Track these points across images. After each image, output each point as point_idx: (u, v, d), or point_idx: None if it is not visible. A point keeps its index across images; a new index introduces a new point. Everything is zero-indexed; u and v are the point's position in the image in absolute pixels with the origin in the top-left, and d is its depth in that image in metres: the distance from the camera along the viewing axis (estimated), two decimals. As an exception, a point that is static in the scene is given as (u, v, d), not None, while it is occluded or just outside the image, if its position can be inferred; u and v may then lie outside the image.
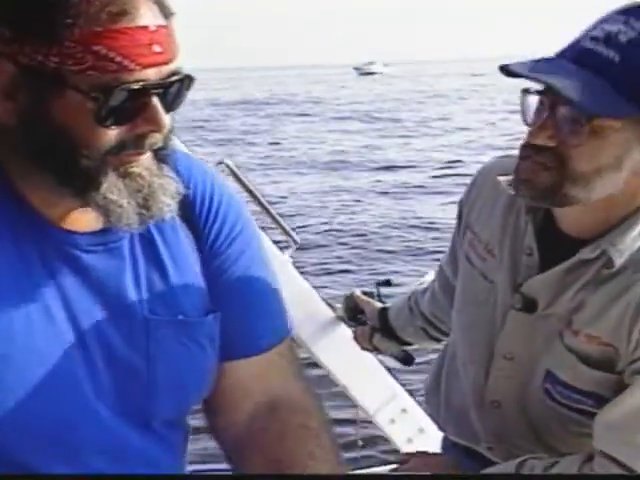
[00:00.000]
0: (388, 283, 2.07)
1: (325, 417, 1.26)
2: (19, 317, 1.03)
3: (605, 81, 1.20)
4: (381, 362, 2.40)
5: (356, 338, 2.01)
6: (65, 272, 1.07)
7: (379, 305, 1.95)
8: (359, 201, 13.52)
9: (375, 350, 1.95)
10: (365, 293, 2.02)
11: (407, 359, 1.93)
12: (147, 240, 1.14)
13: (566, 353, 1.33)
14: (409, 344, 1.91)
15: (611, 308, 1.29)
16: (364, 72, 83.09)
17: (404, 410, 2.45)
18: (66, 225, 1.07)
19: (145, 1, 0.98)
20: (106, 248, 1.10)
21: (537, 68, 1.25)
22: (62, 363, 1.06)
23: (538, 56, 1.32)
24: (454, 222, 1.59)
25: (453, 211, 1.59)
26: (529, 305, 1.37)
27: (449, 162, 17.36)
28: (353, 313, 2.02)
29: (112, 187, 1.01)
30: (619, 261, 1.29)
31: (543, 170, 1.25)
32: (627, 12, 1.24)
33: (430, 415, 1.71)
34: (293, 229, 2.66)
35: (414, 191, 14.34)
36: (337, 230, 11.21)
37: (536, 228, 1.37)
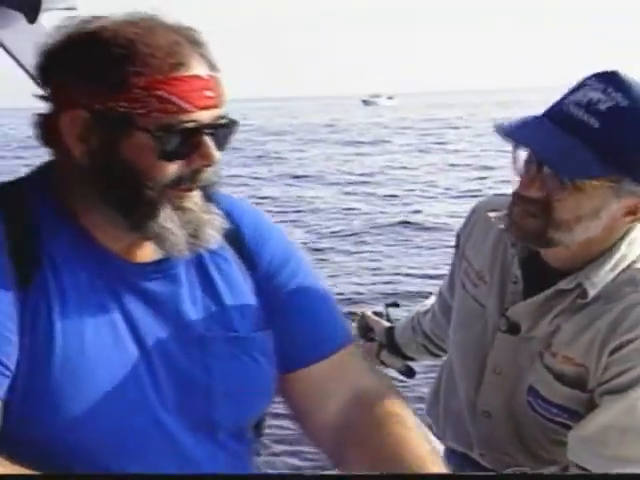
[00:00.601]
0: (396, 305, 2.25)
1: (405, 403, 1.31)
2: (91, 337, 1.14)
3: (585, 145, 1.35)
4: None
5: (365, 353, 2.20)
6: (129, 298, 1.19)
7: (386, 324, 2.14)
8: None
9: (382, 364, 2.13)
10: (375, 313, 2.21)
11: (409, 372, 2.12)
12: (202, 268, 1.26)
13: (545, 372, 1.49)
14: (412, 359, 2.10)
15: (584, 333, 1.45)
16: (370, 103, 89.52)
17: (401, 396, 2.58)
18: (128, 257, 1.20)
19: (197, 56, 1.14)
20: (165, 275, 1.22)
21: (525, 133, 1.41)
22: (130, 377, 1.16)
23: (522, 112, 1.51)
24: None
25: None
26: (513, 328, 1.54)
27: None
28: (364, 331, 2.19)
29: (168, 218, 1.15)
30: (592, 292, 1.45)
31: (531, 217, 1.42)
32: (606, 81, 1.38)
33: (430, 425, 1.85)
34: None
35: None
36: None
37: (522, 259, 1.54)
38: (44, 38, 1.19)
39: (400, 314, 2.17)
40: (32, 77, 2.18)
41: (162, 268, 1.22)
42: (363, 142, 33.86)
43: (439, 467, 1.24)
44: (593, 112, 1.36)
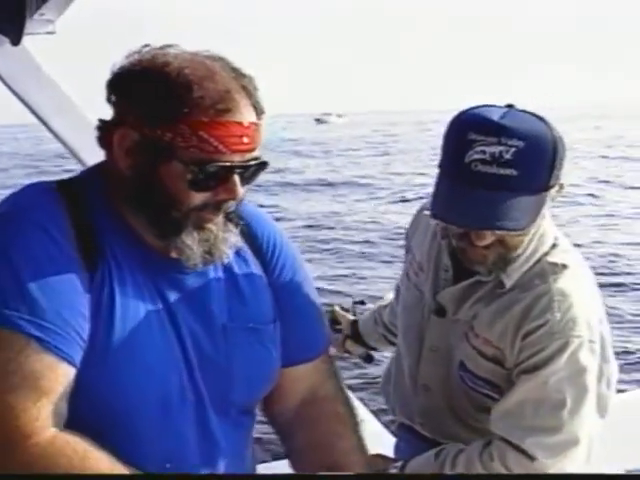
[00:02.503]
0: (362, 302, 2.50)
1: (351, 406, 1.56)
2: (143, 322, 1.29)
3: (514, 193, 1.48)
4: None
5: (332, 343, 2.45)
6: (168, 289, 1.34)
7: (352, 318, 2.39)
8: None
9: (346, 352, 2.39)
10: (343, 309, 2.47)
11: (368, 358, 2.38)
12: (227, 268, 1.41)
13: (470, 349, 1.70)
14: (374, 349, 2.36)
15: (500, 319, 1.65)
16: (322, 121, 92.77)
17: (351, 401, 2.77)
18: (167, 253, 1.33)
19: (246, 104, 1.26)
20: (196, 271, 1.35)
21: (458, 211, 1.51)
22: (170, 358, 1.31)
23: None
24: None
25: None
26: (440, 311, 1.76)
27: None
28: (333, 324, 2.43)
29: (189, 235, 1.29)
30: (509, 283, 1.65)
31: (488, 252, 1.60)
32: (494, 133, 1.47)
33: (385, 401, 2.09)
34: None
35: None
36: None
37: (451, 250, 1.73)
38: (27, 60, 1.37)
39: (365, 310, 2.43)
40: (15, 94, 2.41)
41: (196, 268, 1.35)
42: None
43: (361, 460, 1.48)
44: (504, 164, 1.47)
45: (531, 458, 1.59)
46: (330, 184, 23.03)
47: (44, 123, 2.59)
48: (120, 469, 1.18)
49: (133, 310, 1.29)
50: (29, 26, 2.37)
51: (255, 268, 1.47)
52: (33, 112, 2.56)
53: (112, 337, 1.26)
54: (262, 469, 2.03)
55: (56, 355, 1.19)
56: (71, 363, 1.21)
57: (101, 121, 1.33)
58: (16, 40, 2.39)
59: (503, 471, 1.60)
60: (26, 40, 2.42)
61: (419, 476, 1.71)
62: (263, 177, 1.37)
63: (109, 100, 1.31)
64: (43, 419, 1.16)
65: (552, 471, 1.60)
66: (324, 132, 63.25)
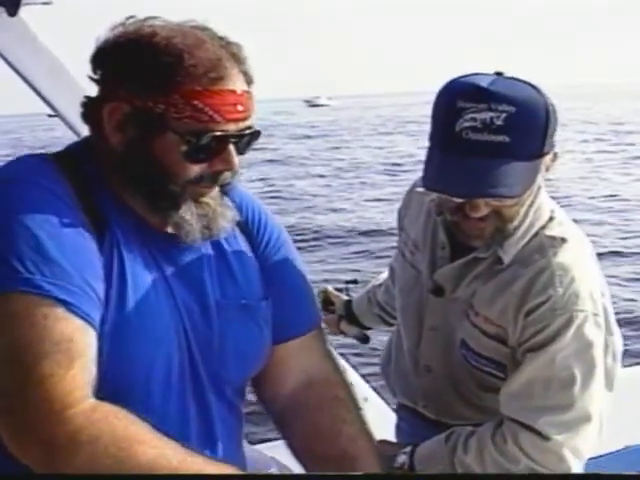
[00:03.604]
0: (355, 282, 2.48)
1: (350, 388, 1.50)
2: (151, 292, 1.26)
3: (507, 160, 1.45)
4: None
5: (326, 324, 2.42)
6: (165, 263, 1.31)
7: (345, 298, 2.36)
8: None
9: (341, 333, 2.36)
10: (336, 289, 2.43)
11: (365, 339, 2.35)
12: (217, 245, 1.39)
13: (471, 328, 1.66)
14: (368, 328, 2.33)
15: (500, 297, 1.61)
16: (312, 104, 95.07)
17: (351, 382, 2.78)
18: (164, 229, 1.31)
19: (236, 72, 1.24)
20: (190, 246, 1.33)
21: (452, 180, 1.47)
22: (172, 330, 1.28)
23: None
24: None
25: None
26: (438, 290, 1.72)
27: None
28: (326, 305, 2.41)
29: (187, 210, 1.27)
30: (507, 259, 1.61)
31: (483, 224, 1.56)
32: (484, 99, 1.44)
33: (385, 382, 2.06)
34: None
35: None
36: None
37: (446, 227, 1.69)
38: (23, 30, 1.33)
39: (358, 290, 2.40)
40: (12, 67, 2.36)
41: (195, 243, 1.33)
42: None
43: (368, 444, 1.44)
44: (496, 131, 1.44)
45: (545, 438, 1.56)
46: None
47: (40, 95, 2.54)
48: (160, 436, 1.14)
49: (141, 279, 1.27)
50: None
51: (243, 245, 1.45)
52: (29, 84, 2.51)
53: (124, 304, 1.23)
54: (264, 449, 2.00)
55: (83, 318, 1.15)
56: (95, 327, 1.17)
57: (87, 97, 1.30)
58: (13, 11, 2.36)
59: (517, 452, 1.58)
60: (23, 11, 2.39)
61: (419, 476, 1.69)
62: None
63: (94, 75, 1.28)
64: (81, 387, 1.12)
65: (566, 449, 1.57)
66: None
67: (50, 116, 2.63)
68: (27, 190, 1.21)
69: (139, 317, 1.24)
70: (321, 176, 22.41)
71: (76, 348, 1.13)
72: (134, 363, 1.23)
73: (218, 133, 1.23)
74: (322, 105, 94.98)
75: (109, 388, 1.17)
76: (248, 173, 18.96)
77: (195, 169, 1.26)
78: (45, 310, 1.13)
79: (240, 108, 1.25)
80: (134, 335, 1.23)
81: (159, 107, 1.21)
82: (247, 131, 1.28)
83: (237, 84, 1.24)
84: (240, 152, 1.29)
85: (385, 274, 2.20)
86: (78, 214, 1.22)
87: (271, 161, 25.10)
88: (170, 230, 1.31)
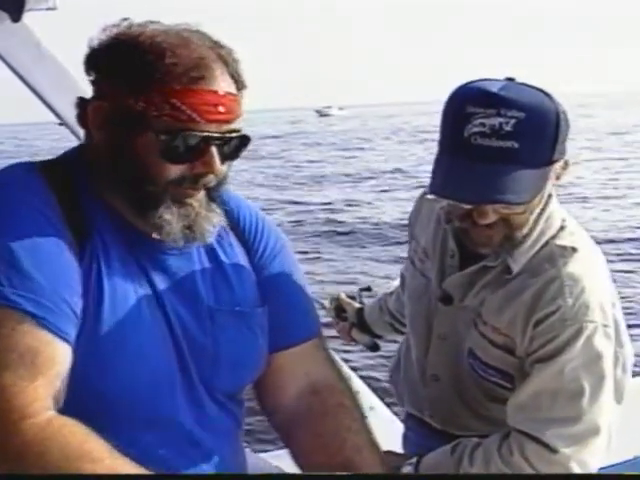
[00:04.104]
0: (369, 289, 2.46)
1: (355, 396, 1.48)
2: (132, 302, 1.24)
3: (517, 166, 1.43)
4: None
5: (338, 331, 2.41)
6: (153, 270, 1.29)
7: (358, 305, 2.35)
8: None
9: (352, 341, 2.36)
10: (349, 296, 2.41)
11: (375, 347, 2.33)
12: (211, 250, 1.38)
13: (479, 337, 1.64)
14: (380, 336, 2.31)
15: (509, 306, 1.58)
16: (323, 114, 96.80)
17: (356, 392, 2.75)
18: (150, 233, 1.29)
19: (222, 73, 1.22)
20: (180, 252, 1.32)
21: (461, 186, 1.45)
22: (160, 340, 1.27)
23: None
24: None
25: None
26: (447, 299, 1.70)
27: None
28: (338, 312, 2.40)
29: (167, 210, 1.24)
30: (516, 268, 1.59)
31: (492, 232, 1.54)
32: (493, 104, 1.42)
33: (394, 391, 2.04)
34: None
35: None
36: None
37: (456, 234, 1.66)
38: (27, 36, 1.33)
39: (371, 297, 2.39)
40: (16, 73, 2.37)
41: (178, 245, 1.30)
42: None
43: (374, 455, 1.41)
44: (505, 136, 1.42)
45: (552, 450, 1.53)
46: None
47: (43, 100, 2.54)
48: (117, 456, 1.10)
49: (121, 291, 1.25)
50: (29, 2, 2.35)
51: (239, 252, 1.43)
52: (32, 89, 2.52)
53: (102, 319, 1.21)
54: (269, 457, 1.99)
55: (53, 332, 1.14)
56: (67, 341, 1.16)
57: (80, 99, 1.30)
58: (16, 16, 2.37)
59: (524, 464, 1.55)
60: (26, 16, 2.40)
61: (419, 476, 1.68)
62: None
63: (88, 76, 1.28)
64: (41, 399, 1.10)
65: (573, 462, 1.54)
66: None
67: (60, 124, 2.64)
68: (7, 201, 1.20)
69: (118, 328, 1.22)
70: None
71: (42, 361, 1.11)
72: (115, 374, 1.22)
73: (197, 133, 1.21)
74: (332, 115, 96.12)
75: (93, 401, 1.18)
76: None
77: (174, 170, 1.24)
78: (13, 322, 1.12)
79: (222, 109, 1.22)
80: (113, 346, 1.22)
81: (139, 105, 1.20)
82: (232, 134, 1.26)
83: (220, 85, 1.22)
84: (228, 157, 1.27)
85: (397, 282, 2.19)
86: (59, 227, 1.21)
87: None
88: (157, 235, 1.29)
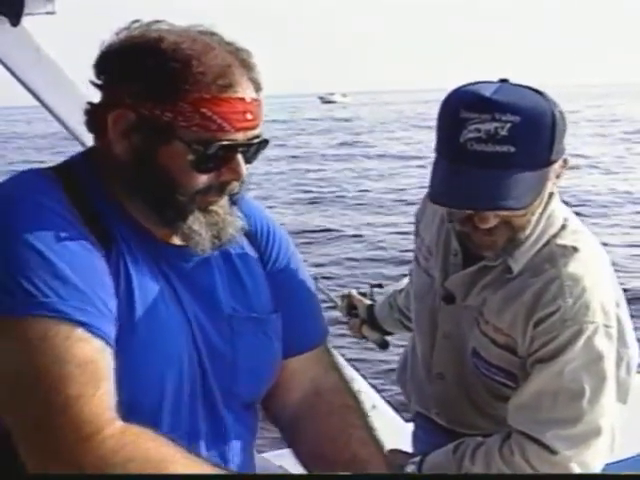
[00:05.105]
0: (380, 286, 2.46)
1: (358, 398, 1.49)
2: (160, 307, 1.24)
3: (514, 170, 1.43)
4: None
5: (349, 328, 2.42)
6: (173, 277, 1.28)
7: (368, 302, 2.35)
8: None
9: (363, 338, 2.36)
10: (360, 293, 2.42)
11: (384, 345, 2.33)
12: (227, 257, 1.36)
13: (482, 336, 1.64)
14: (390, 333, 2.32)
15: (510, 306, 1.58)
16: (326, 100, 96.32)
17: (358, 391, 2.76)
18: (169, 240, 1.29)
19: (246, 79, 1.21)
20: (200, 259, 1.30)
21: (459, 192, 1.45)
22: (184, 346, 1.26)
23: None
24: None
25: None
26: (449, 298, 1.70)
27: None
28: (349, 309, 2.41)
29: (195, 220, 1.24)
30: (516, 268, 1.58)
31: (494, 235, 1.54)
32: (487, 109, 1.41)
33: (401, 390, 2.06)
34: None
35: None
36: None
37: (458, 233, 1.65)
38: (26, 40, 1.32)
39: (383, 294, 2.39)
40: (14, 75, 2.38)
41: (204, 254, 1.29)
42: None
43: (378, 451, 1.42)
44: (501, 141, 1.41)
45: (553, 451, 1.53)
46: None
47: (43, 104, 2.56)
48: (189, 455, 1.12)
49: (150, 293, 1.24)
50: (28, 6, 2.36)
51: (252, 257, 1.43)
52: (32, 93, 2.53)
53: (134, 321, 1.20)
54: (272, 457, 2.01)
55: (102, 338, 1.13)
56: (112, 345, 1.15)
57: (90, 104, 1.27)
58: (15, 20, 2.37)
59: (524, 465, 1.55)
60: (25, 20, 2.40)
61: (419, 476, 1.67)
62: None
63: (98, 80, 1.25)
64: (109, 408, 1.09)
65: (574, 463, 1.54)
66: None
67: None
68: (28, 211, 1.18)
69: (149, 333, 1.21)
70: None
71: (100, 369, 1.11)
72: (145, 380, 1.21)
73: (226, 142, 1.20)
74: (336, 102, 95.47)
75: (121, 405, 1.15)
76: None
77: (203, 179, 1.22)
78: (65, 333, 1.10)
79: (249, 117, 1.22)
80: (144, 352, 1.20)
81: (166, 115, 1.18)
82: (255, 140, 1.25)
83: (247, 92, 1.21)
84: (247, 161, 1.26)
85: (406, 279, 2.19)
86: (82, 231, 1.19)
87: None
88: (177, 242, 1.29)
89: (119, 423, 1.10)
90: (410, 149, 26.55)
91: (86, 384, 1.09)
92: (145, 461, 1.08)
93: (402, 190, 17.29)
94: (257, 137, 1.25)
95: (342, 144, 31.46)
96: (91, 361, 1.10)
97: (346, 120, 50.57)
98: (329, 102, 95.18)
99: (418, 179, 17.00)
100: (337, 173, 22.04)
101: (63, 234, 1.16)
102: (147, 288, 1.24)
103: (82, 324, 1.11)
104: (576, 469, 1.54)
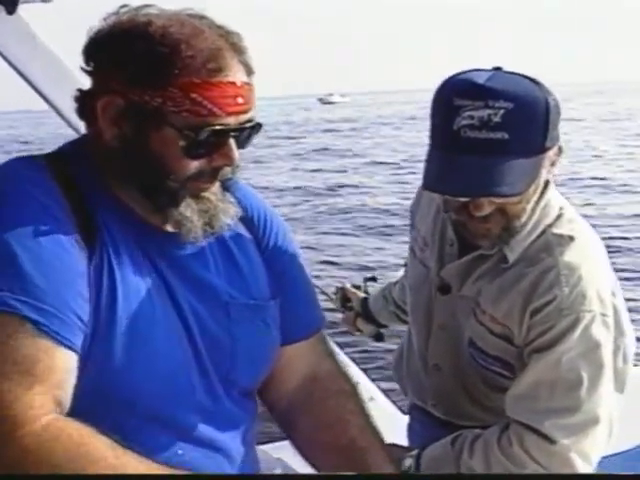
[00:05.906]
0: (374, 279, 2.44)
1: (354, 383, 1.48)
2: (145, 299, 1.21)
3: (508, 157, 1.42)
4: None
5: (343, 321, 2.40)
6: (165, 264, 1.26)
7: (362, 295, 2.34)
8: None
9: (357, 331, 2.35)
10: (354, 286, 2.41)
11: (379, 337, 2.32)
12: (223, 243, 1.34)
13: (478, 326, 1.63)
14: (385, 326, 2.30)
15: (506, 296, 1.57)
16: (325, 101, 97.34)
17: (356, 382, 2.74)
18: (162, 227, 1.26)
19: (236, 62, 1.19)
20: (193, 245, 1.28)
21: (453, 180, 1.44)
22: (175, 337, 1.24)
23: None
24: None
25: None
26: (445, 288, 1.69)
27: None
28: (343, 302, 2.40)
29: (187, 206, 1.22)
30: (512, 257, 1.57)
31: (489, 224, 1.53)
32: (480, 96, 1.41)
33: (398, 382, 2.03)
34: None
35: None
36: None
37: (454, 223, 1.65)
38: (22, 28, 1.30)
39: (377, 287, 2.37)
40: (11, 65, 2.36)
41: (197, 241, 1.28)
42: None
43: (376, 438, 1.41)
44: (494, 128, 1.41)
45: (551, 441, 1.52)
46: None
47: (39, 93, 2.54)
48: (121, 452, 1.06)
49: (134, 290, 1.21)
50: None
51: (249, 243, 1.41)
52: (28, 82, 2.51)
53: (115, 319, 1.18)
54: (269, 449, 1.99)
55: (53, 339, 1.09)
56: (71, 348, 1.11)
57: (80, 91, 1.25)
58: (11, 8, 2.36)
59: (523, 455, 1.53)
60: (21, 9, 2.39)
61: (419, 476, 1.66)
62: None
63: (87, 67, 1.24)
64: (37, 407, 1.06)
65: (573, 452, 1.53)
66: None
67: None
68: (11, 200, 1.16)
69: (133, 329, 1.19)
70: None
71: (40, 370, 1.08)
72: (133, 376, 1.19)
73: (218, 127, 1.18)
74: (335, 103, 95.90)
75: (111, 401, 1.16)
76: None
77: (194, 164, 1.20)
78: (11, 329, 1.07)
79: (240, 101, 1.19)
80: (129, 348, 1.18)
81: (156, 101, 1.16)
82: (248, 124, 1.23)
83: (237, 75, 1.19)
84: (240, 146, 1.24)
85: (402, 272, 2.17)
86: (66, 226, 1.17)
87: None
88: (170, 229, 1.27)
89: (45, 419, 1.06)
90: (410, 149, 26.64)
91: (18, 383, 1.06)
92: (63, 459, 1.04)
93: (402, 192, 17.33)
94: (249, 121, 1.23)
95: (342, 144, 31.60)
96: (31, 360, 1.07)
97: (345, 121, 50.73)
98: (328, 103, 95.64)
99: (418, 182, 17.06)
100: (337, 173, 22.04)
101: (39, 226, 1.14)
102: (133, 280, 1.22)
103: (33, 322, 1.08)
104: (575, 458, 1.53)
